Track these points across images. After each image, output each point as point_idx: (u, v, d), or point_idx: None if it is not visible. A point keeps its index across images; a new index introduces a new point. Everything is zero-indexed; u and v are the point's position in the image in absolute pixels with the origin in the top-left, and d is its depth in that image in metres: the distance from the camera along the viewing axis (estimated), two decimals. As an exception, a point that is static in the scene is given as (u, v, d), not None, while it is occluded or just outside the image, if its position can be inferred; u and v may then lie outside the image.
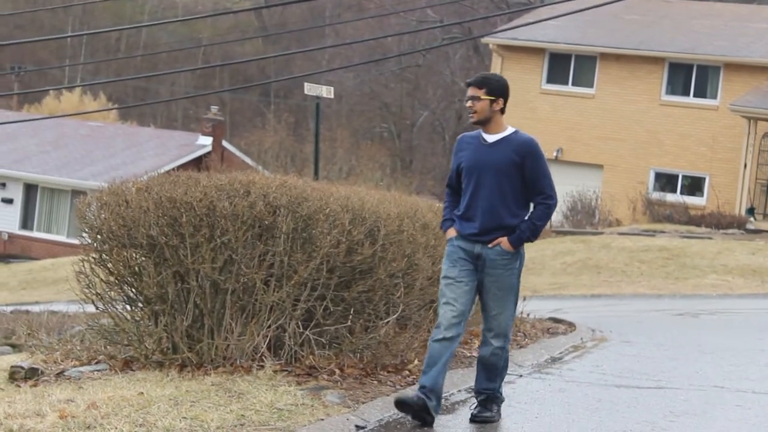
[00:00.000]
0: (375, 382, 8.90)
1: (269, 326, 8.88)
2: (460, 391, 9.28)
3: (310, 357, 8.95)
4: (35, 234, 47.64)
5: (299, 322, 8.98)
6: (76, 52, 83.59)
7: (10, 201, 48.17)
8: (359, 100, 69.53)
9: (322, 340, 9.08)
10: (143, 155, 48.38)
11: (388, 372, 9.20)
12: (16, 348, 12.39)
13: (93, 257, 9.39)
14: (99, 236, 9.29)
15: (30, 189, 48.06)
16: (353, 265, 9.08)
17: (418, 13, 59.08)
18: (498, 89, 8.11)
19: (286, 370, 8.80)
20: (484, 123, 8.10)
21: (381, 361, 9.25)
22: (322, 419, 7.74)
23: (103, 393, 8.15)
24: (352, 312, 9.12)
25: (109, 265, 9.31)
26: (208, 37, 78.57)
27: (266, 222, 8.87)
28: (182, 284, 8.94)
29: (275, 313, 8.90)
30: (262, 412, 7.74)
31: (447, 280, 8.06)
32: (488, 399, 8.31)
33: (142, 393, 8.09)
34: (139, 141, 50.69)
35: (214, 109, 51.20)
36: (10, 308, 21.25)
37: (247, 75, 77.11)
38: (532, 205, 8.21)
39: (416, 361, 9.51)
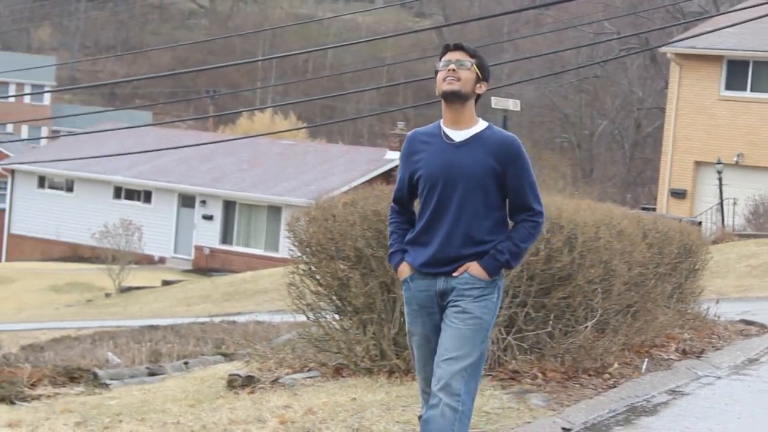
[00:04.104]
0: (577, 385, 9.04)
1: (473, 333, 9.12)
2: (660, 393, 9.40)
3: (513, 362, 9.16)
4: (234, 248, 48.99)
5: (502, 329, 9.19)
6: (267, 74, 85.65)
7: (210, 217, 49.67)
8: (540, 112, 69.64)
9: (524, 345, 9.26)
10: (333, 171, 49.26)
11: (589, 375, 9.34)
12: (227, 357, 12.89)
13: (302, 269, 9.69)
14: (308, 249, 9.65)
15: (228, 205, 49.48)
16: (552, 272, 9.19)
17: (595, 25, 58.97)
18: (487, 70, 6.18)
19: (491, 375, 9.00)
20: (458, 101, 6.05)
21: (581, 365, 9.38)
22: (529, 422, 7.87)
23: (317, 399, 8.44)
24: (552, 317, 9.27)
25: (318, 276, 9.60)
26: (391, 56, 79.52)
27: (467, 232, 9.11)
28: (388, 294, 9.21)
29: (478, 320, 9.13)
30: (471, 415, 7.99)
31: (411, 336, 6.20)
32: None
33: (355, 398, 8.34)
34: (329, 157, 51.64)
35: (400, 124, 51.86)
36: (218, 319, 21.89)
37: (429, 91, 77.81)
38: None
39: (616, 365, 9.67)
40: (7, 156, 61.41)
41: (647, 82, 67.23)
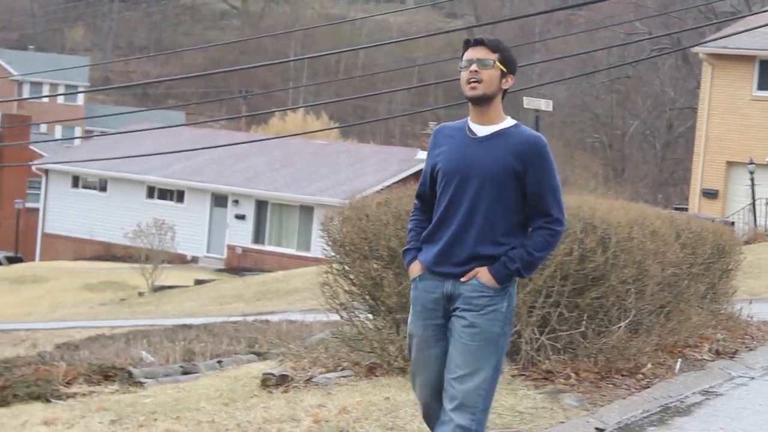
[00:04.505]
0: (610, 385, 9.06)
1: (506, 332, 9.16)
2: (694, 393, 9.40)
3: (546, 361, 9.18)
4: (267, 247, 49.15)
5: (535, 329, 9.22)
6: (299, 74, 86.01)
7: (242, 217, 49.87)
8: (571, 112, 69.68)
9: (557, 345, 9.29)
10: (365, 171, 49.36)
11: (623, 376, 9.36)
12: (260, 356, 12.95)
13: (336, 269, 9.75)
14: (342, 249, 9.70)
15: (261, 205, 49.64)
16: (586, 272, 9.20)
17: (626, 26, 58.92)
18: (513, 62, 5.84)
19: (524, 375, 9.02)
20: (484, 102, 5.78)
21: (615, 365, 9.39)
22: (563, 422, 7.91)
23: (351, 398, 8.48)
24: (585, 317, 9.28)
25: (352, 276, 9.66)
26: (422, 56, 79.64)
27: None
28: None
29: (512, 319, 9.17)
30: (504, 415, 7.96)
31: (411, 338, 5.90)
32: None
33: (388, 398, 8.37)
34: (361, 157, 51.73)
35: (432, 124, 51.90)
36: (251, 318, 21.98)
37: (460, 91, 77.93)
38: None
39: (649, 365, 9.68)
40: (41, 156, 61.82)
41: (679, 82, 67.08)
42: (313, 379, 9.52)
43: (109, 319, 30.42)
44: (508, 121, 5.78)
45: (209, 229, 50.61)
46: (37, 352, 17.30)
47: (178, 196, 51.68)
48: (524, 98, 25.15)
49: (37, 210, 57.89)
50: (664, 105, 67.89)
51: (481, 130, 5.76)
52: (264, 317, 22.33)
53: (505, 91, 5.80)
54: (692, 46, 46.21)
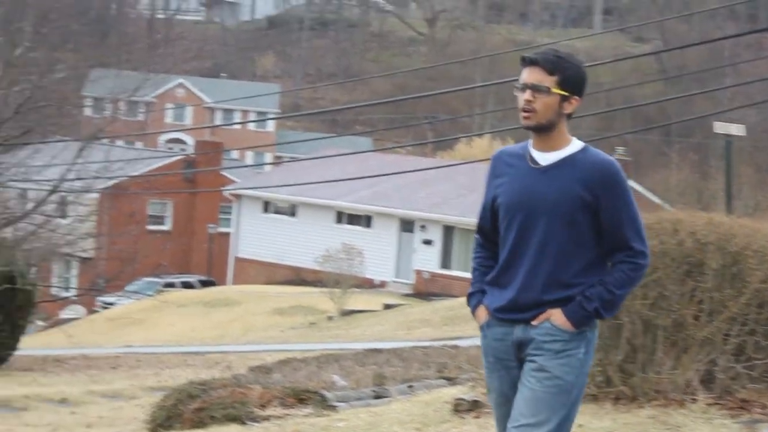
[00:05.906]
0: (809, 416, 8.89)
1: (700, 360, 9.07)
2: None
3: (743, 390, 9.04)
4: (454, 272, 49.24)
5: (730, 356, 9.08)
6: (485, 100, 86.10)
7: (429, 242, 50.15)
8: (762, 137, 68.22)
9: (753, 373, 9.15)
10: (551, 197, 49.08)
11: (822, 406, 9.16)
12: (450, 381, 13.00)
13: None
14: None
15: (448, 230, 49.85)
16: (783, 299, 9.09)
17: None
18: (577, 81, 5.11)
19: (719, 404, 8.89)
20: (543, 131, 5.08)
21: (814, 396, 9.21)
22: (761, 452, 7.83)
23: None
24: (782, 347, 9.15)
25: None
26: (609, 82, 78.92)
27: (695, 259, 9.08)
28: (614, 320, 9.22)
29: (706, 347, 9.07)
30: (700, 444, 7.94)
31: (488, 392, 5.42)
32: None
33: (582, 425, 8.31)
34: (547, 183, 51.43)
35: (620, 150, 51.43)
36: (439, 343, 22.08)
37: (648, 116, 77.08)
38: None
39: None
40: (232, 182, 63.28)
41: None
42: (503, 406, 9.54)
43: (300, 343, 30.90)
44: (575, 145, 5.10)
45: (397, 253, 51.01)
46: (232, 374, 17.70)
47: (366, 221, 52.26)
48: (715, 123, 24.78)
49: (227, 234, 59.21)
50: None
51: (545, 158, 5.08)
52: (452, 342, 22.39)
53: (569, 115, 5.11)
54: None
